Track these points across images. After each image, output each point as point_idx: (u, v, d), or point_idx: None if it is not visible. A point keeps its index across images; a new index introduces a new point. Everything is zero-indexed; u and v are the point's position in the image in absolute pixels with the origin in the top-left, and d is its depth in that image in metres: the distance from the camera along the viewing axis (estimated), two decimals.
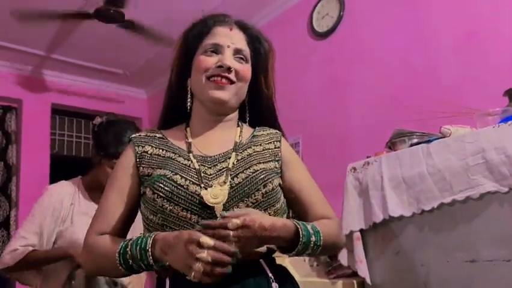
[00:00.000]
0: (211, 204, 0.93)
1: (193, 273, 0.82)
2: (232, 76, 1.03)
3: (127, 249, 0.91)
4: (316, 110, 3.00)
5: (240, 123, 1.13)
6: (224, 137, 1.07)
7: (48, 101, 4.30)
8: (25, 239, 1.68)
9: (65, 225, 1.71)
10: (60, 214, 1.71)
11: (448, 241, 1.56)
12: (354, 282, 1.90)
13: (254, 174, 0.98)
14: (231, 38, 1.06)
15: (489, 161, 1.45)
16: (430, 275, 1.60)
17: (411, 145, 1.74)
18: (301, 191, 1.08)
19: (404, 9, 2.59)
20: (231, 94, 1.05)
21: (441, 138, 1.65)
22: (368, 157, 1.88)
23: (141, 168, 1.03)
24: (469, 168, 1.49)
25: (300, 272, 1.97)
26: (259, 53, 1.11)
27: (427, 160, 1.62)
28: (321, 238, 0.97)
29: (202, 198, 0.93)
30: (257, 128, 1.14)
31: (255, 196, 0.95)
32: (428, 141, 1.66)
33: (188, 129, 1.10)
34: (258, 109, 1.15)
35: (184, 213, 0.93)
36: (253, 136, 1.10)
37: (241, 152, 1.04)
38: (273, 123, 1.16)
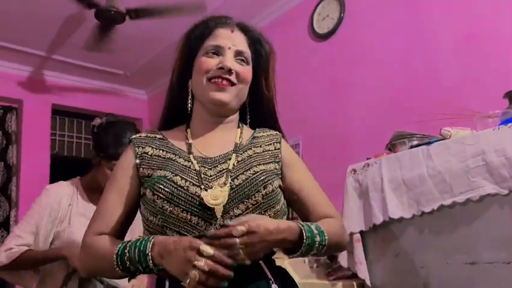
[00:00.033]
0: (211, 206, 0.93)
1: (188, 280, 0.82)
2: (233, 78, 1.04)
3: (125, 250, 0.91)
4: (317, 112, 3.01)
5: (240, 124, 1.13)
6: (224, 139, 1.08)
7: (48, 102, 4.30)
8: (21, 238, 1.67)
9: (63, 226, 1.70)
10: (58, 214, 1.70)
11: (448, 243, 1.56)
12: (354, 284, 1.90)
13: (254, 176, 0.98)
14: (232, 40, 1.07)
15: (489, 163, 1.45)
16: (430, 277, 1.60)
17: (412, 147, 1.74)
18: (303, 192, 1.08)
19: (404, 11, 2.59)
20: (232, 96, 1.05)
21: (441, 140, 1.65)
22: (368, 159, 1.89)
23: (141, 169, 1.03)
24: (469, 170, 1.49)
25: (300, 273, 1.97)
26: (260, 55, 1.11)
27: (427, 162, 1.62)
28: (326, 238, 0.97)
29: (202, 199, 0.93)
30: (257, 129, 1.14)
31: (255, 197, 0.95)
32: (428, 143, 1.66)
33: (188, 130, 1.10)
34: (258, 111, 1.15)
35: (184, 215, 0.93)
36: (253, 137, 1.10)
37: (241, 154, 1.04)
38: (274, 125, 1.16)
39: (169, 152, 1.04)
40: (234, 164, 1.01)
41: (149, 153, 1.04)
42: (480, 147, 1.48)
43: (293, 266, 1.86)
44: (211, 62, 1.04)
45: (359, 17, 2.85)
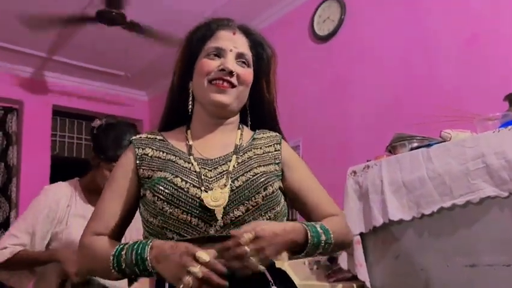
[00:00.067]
0: (211, 207, 0.93)
1: (181, 286, 0.82)
2: (233, 80, 1.04)
3: (122, 252, 0.91)
4: (317, 113, 3.01)
5: (240, 126, 1.14)
6: (224, 140, 1.08)
7: (49, 103, 4.31)
8: (16, 237, 1.66)
9: (61, 227, 1.69)
10: (56, 215, 1.69)
11: (447, 245, 1.55)
12: (354, 286, 1.89)
13: (254, 177, 0.98)
14: (233, 42, 1.07)
15: (489, 166, 1.45)
16: (430, 279, 1.60)
17: (412, 149, 1.74)
18: (305, 191, 1.08)
19: (405, 14, 2.60)
20: (232, 98, 1.05)
21: (441, 142, 1.64)
22: (368, 161, 1.88)
23: (141, 170, 1.03)
24: (469, 173, 1.49)
25: (300, 275, 1.97)
26: (262, 58, 1.12)
27: (427, 164, 1.62)
28: (332, 236, 0.98)
29: (202, 201, 0.93)
30: (257, 131, 1.14)
31: (255, 199, 0.95)
32: (428, 146, 1.66)
33: (189, 131, 1.11)
34: (259, 113, 1.15)
35: (184, 216, 0.93)
36: (253, 139, 1.11)
37: (241, 155, 1.04)
38: (274, 128, 1.16)
39: (170, 154, 1.04)
40: (234, 166, 1.01)
41: (150, 155, 1.04)
42: (480, 149, 1.48)
43: (293, 268, 1.86)
44: (212, 64, 1.04)
45: (359, 19, 2.85)
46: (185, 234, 0.93)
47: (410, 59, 2.52)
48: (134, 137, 1.10)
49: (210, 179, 0.98)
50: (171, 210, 0.93)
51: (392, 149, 1.87)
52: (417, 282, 1.63)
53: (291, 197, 1.08)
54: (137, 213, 1.06)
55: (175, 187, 0.95)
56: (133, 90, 4.86)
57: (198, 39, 1.09)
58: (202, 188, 0.95)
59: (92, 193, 1.72)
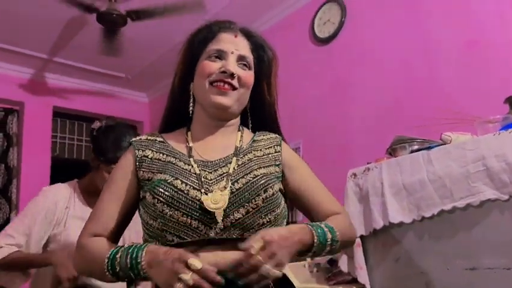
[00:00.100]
0: (211, 210, 0.93)
1: None
2: (234, 82, 1.04)
3: (117, 255, 0.91)
4: (317, 116, 3.01)
5: (241, 127, 1.14)
6: (225, 142, 1.08)
7: (49, 104, 4.31)
8: (12, 237, 1.65)
9: (59, 229, 1.69)
10: (54, 217, 1.69)
11: (448, 248, 1.55)
12: None
13: (254, 180, 0.98)
14: (235, 45, 1.07)
15: (489, 169, 1.44)
16: (430, 282, 1.59)
17: (412, 152, 1.74)
18: (307, 191, 1.08)
19: (406, 16, 2.60)
20: (233, 100, 1.05)
21: (442, 145, 1.64)
22: (368, 163, 1.88)
23: (141, 172, 1.03)
24: (470, 176, 1.49)
25: (300, 277, 1.97)
26: (263, 60, 1.12)
27: (428, 167, 1.61)
28: (337, 234, 0.98)
29: (202, 203, 0.93)
30: (257, 132, 1.14)
31: (255, 201, 0.95)
32: (429, 148, 1.65)
33: (189, 133, 1.10)
34: (260, 116, 1.15)
35: (184, 219, 0.93)
36: (254, 141, 1.11)
37: (241, 157, 1.04)
38: (275, 130, 1.16)
39: (169, 156, 1.04)
40: (234, 168, 1.01)
41: (149, 157, 1.04)
42: (480, 152, 1.48)
43: (293, 270, 1.86)
44: (213, 66, 1.04)
45: (360, 21, 2.86)
46: (185, 237, 0.93)
47: (411, 61, 2.52)
48: (134, 139, 1.10)
49: (210, 181, 0.98)
50: (171, 213, 0.93)
51: (392, 152, 1.87)
52: (418, 285, 1.63)
53: (293, 197, 1.08)
54: (137, 215, 1.06)
55: (175, 189, 0.94)
56: (133, 92, 4.87)
57: (199, 41, 1.10)
58: (202, 191, 0.95)
59: (91, 195, 1.71)
